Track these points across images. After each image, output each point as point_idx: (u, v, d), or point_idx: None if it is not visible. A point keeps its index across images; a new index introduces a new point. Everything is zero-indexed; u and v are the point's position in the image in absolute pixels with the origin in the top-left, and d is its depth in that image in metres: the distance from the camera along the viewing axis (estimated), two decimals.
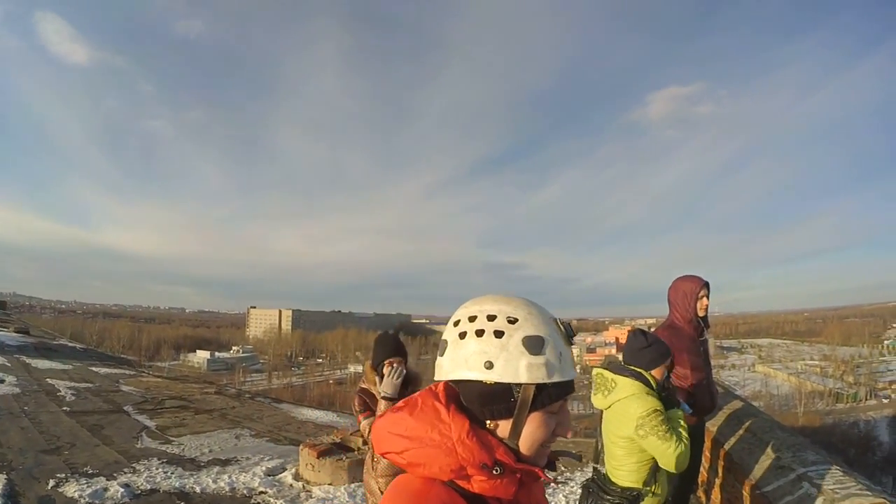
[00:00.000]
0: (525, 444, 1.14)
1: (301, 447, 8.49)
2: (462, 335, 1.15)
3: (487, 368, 1.11)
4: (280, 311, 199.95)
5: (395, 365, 4.03)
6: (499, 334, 1.13)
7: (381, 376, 4.06)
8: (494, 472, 1.08)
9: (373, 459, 4.03)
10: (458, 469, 1.08)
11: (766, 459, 4.27)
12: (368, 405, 4.07)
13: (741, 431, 5.20)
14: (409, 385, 4.09)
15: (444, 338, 1.21)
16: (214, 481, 7.77)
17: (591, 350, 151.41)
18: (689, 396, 4.40)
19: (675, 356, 4.06)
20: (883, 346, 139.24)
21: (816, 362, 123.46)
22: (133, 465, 8.43)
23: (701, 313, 4.63)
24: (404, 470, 1.15)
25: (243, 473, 8.18)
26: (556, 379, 1.12)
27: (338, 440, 8.78)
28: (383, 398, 3.91)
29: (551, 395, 1.14)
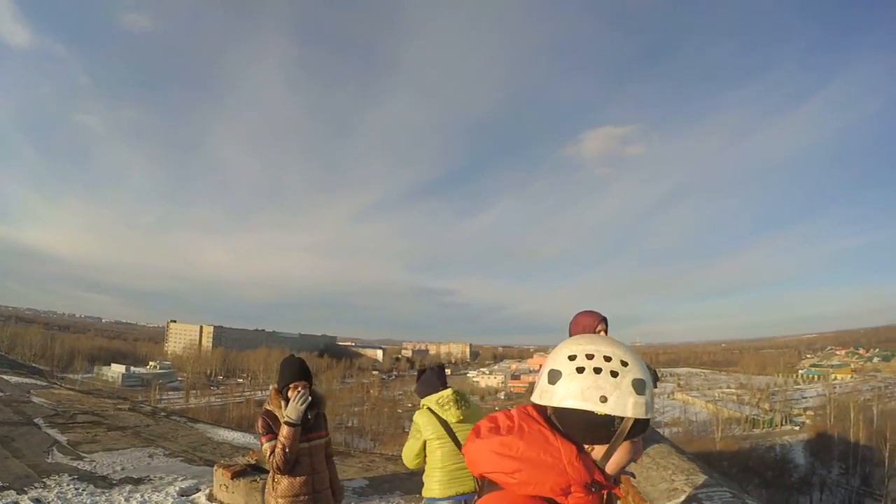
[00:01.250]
0: (612, 467, 1.37)
1: (215, 468, 8.42)
2: (580, 370, 1.34)
3: (602, 402, 1.31)
4: (201, 327, 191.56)
5: (300, 389, 4.16)
6: (614, 374, 1.33)
7: (286, 400, 4.17)
8: (592, 490, 1.29)
9: (273, 480, 4.19)
10: (565, 487, 1.27)
11: (662, 483, 4.46)
12: (271, 427, 4.13)
13: (643, 458, 5.35)
14: (313, 408, 4.26)
15: (554, 367, 1.38)
16: (126, 500, 7.73)
17: (515, 377, 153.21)
18: None
19: None
20: (797, 375, 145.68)
21: (733, 390, 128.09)
22: (44, 479, 8.30)
23: None
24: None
25: (156, 493, 8.12)
26: (648, 416, 1.36)
27: (253, 461, 8.75)
28: (286, 423, 4.05)
29: (639, 428, 1.36)
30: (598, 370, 1.34)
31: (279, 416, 4.13)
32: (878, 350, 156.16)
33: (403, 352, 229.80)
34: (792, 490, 56.76)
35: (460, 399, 4.75)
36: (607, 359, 1.36)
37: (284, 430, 4.03)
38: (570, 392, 1.33)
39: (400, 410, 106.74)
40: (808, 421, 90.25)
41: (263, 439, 4.13)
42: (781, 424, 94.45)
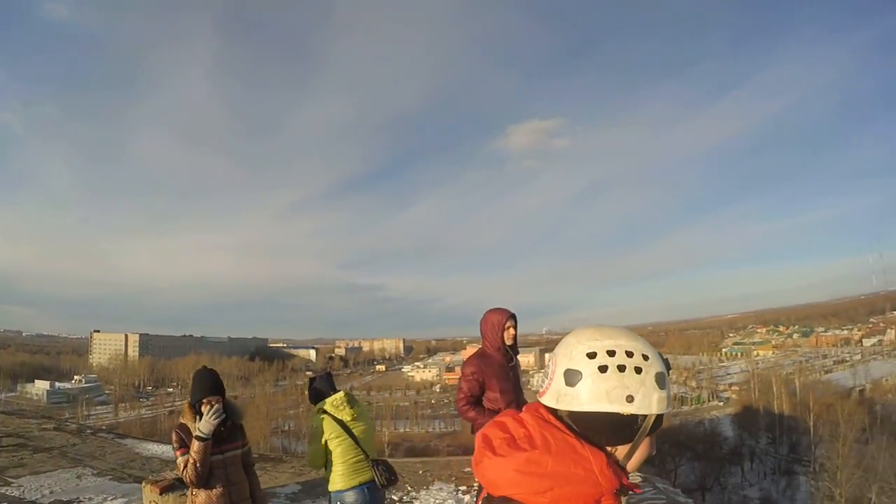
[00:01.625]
0: (633, 465, 1.31)
1: (144, 484, 8.08)
2: (602, 368, 1.25)
3: (628, 402, 1.23)
4: (126, 336, 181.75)
5: (213, 404, 4.22)
6: (638, 370, 1.25)
7: (200, 414, 4.22)
8: (621, 495, 1.22)
9: (192, 494, 4.28)
10: (598, 499, 1.19)
11: None
12: (185, 442, 4.19)
13: None
14: (227, 420, 4.34)
15: (571, 367, 1.28)
16: None
17: (449, 369, 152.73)
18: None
19: (486, 381, 5.14)
20: (721, 354, 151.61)
21: None
22: None
23: (508, 342, 5.30)
24: None
25: None
26: (669, 409, 1.31)
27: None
28: (197, 437, 4.13)
29: (659, 423, 1.31)
30: (622, 368, 1.25)
31: (193, 430, 4.19)
32: (797, 327, 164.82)
33: (337, 350, 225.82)
34: (723, 461, 58.30)
35: (351, 399, 5.29)
36: (629, 354, 1.27)
37: (195, 445, 4.11)
38: (596, 394, 1.24)
39: None
40: (733, 396, 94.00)
41: (177, 454, 4.21)
42: (709, 400, 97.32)
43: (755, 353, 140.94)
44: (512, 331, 5.27)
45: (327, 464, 5.10)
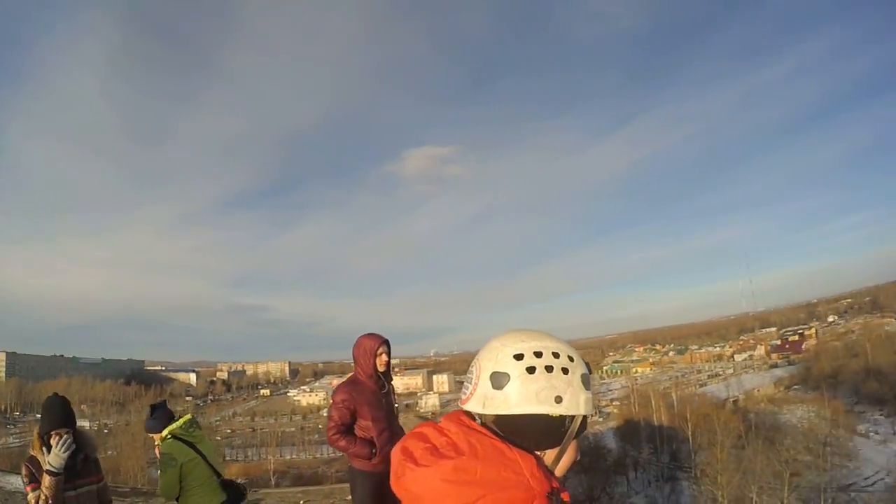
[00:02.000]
0: (561, 468, 1.31)
1: None
2: (530, 370, 1.25)
3: (557, 403, 1.24)
4: None
5: (63, 436, 4.03)
6: (565, 371, 1.27)
7: (49, 446, 4.03)
8: (552, 500, 1.17)
9: None
10: (530, 503, 1.15)
11: None
12: (35, 476, 4.04)
13: None
14: (80, 452, 4.17)
15: (497, 370, 1.27)
16: None
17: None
18: (371, 445, 4.96)
19: (357, 409, 5.03)
20: (602, 371, 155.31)
21: None
22: None
23: (381, 368, 5.17)
24: None
25: None
26: (595, 412, 1.35)
27: None
28: (47, 472, 3.92)
29: (584, 426, 1.32)
30: (549, 369, 1.26)
31: (43, 463, 4.02)
32: (673, 345, 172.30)
33: (219, 374, 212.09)
34: (609, 472, 59.75)
35: (195, 422, 5.39)
36: (556, 356, 1.29)
37: (46, 480, 3.93)
38: (525, 396, 1.24)
39: (219, 437, 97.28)
40: (614, 410, 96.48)
41: (28, 489, 4.06)
42: (592, 416, 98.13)
43: (634, 370, 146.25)
44: (385, 357, 5.18)
45: (181, 490, 5.08)
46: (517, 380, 1.23)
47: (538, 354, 1.26)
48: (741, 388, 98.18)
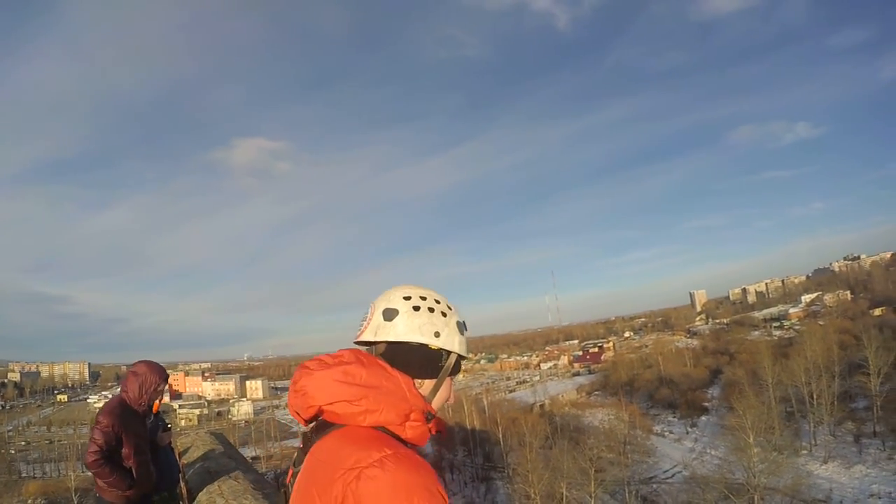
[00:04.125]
0: (437, 402, 1.54)
1: None
2: (416, 308, 1.53)
3: (436, 336, 1.51)
4: None
5: None
6: (444, 314, 1.55)
7: None
8: (428, 419, 1.44)
9: None
10: (406, 415, 1.40)
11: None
12: None
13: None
14: None
15: (389, 306, 1.54)
16: None
17: None
18: (130, 477, 4.68)
19: (123, 437, 4.65)
20: None
21: None
22: None
23: (155, 410, 5.03)
24: None
25: None
26: (468, 356, 1.62)
27: None
28: None
29: (459, 367, 1.58)
30: (431, 309, 1.54)
31: None
32: (484, 354, 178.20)
33: (10, 375, 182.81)
34: None
35: None
36: (437, 302, 1.57)
37: None
38: (410, 327, 1.50)
39: (13, 451, 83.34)
40: None
41: None
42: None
43: None
44: (164, 398, 5.36)
45: None
46: (405, 314, 1.50)
47: (423, 298, 1.55)
48: (547, 393, 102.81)
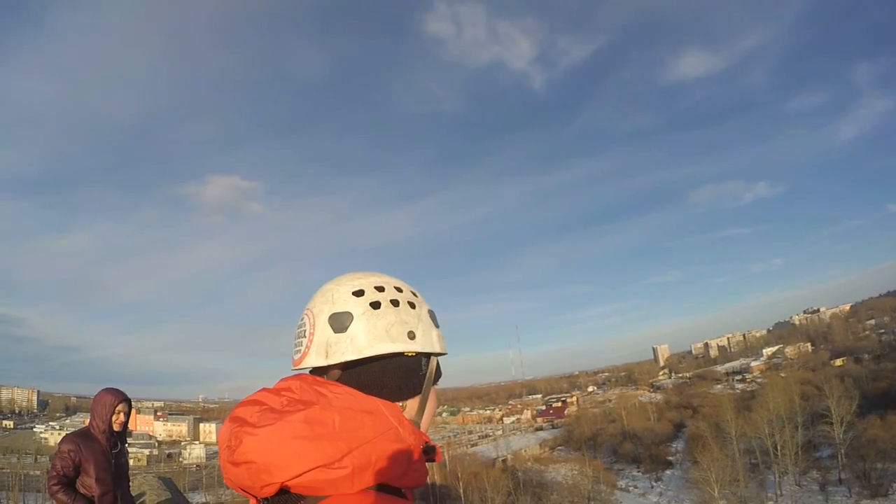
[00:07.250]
0: (426, 421, 1.10)
1: None
2: (375, 305, 1.06)
3: (410, 339, 1.05)
4: None
5: None
6: (412, 305, 1.10)
7: None
8: (427, 453, 0.99)
9: None
10: (407, 460, 0.95)
11: None
12: None
13: None
14: None
15: (337, 310, 1.06)
16: None
17: None
18: (91, 503, 4.63)
19: (83, 464, 4.57)
20: None
21: None
22: None
23: (116, 428, 4.83)
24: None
25: None
26: (446, 352, 1.14)
27: None
28: None
29: (440, 371, 1.15)
30: (395, 303, 1.08)
31: None
32: (446, 407, 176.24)
33: None
34: None
35: None
36: (399, 290, 1.11)
37: None
38: (374, 334, 1.04)
39: None
40: None
41: None
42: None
43: None
44: (122, 417, 4.85)
45: None
46: (362, 317, 1.03)
47: (380, 289, 1.08)
48: (510, 448, 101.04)
